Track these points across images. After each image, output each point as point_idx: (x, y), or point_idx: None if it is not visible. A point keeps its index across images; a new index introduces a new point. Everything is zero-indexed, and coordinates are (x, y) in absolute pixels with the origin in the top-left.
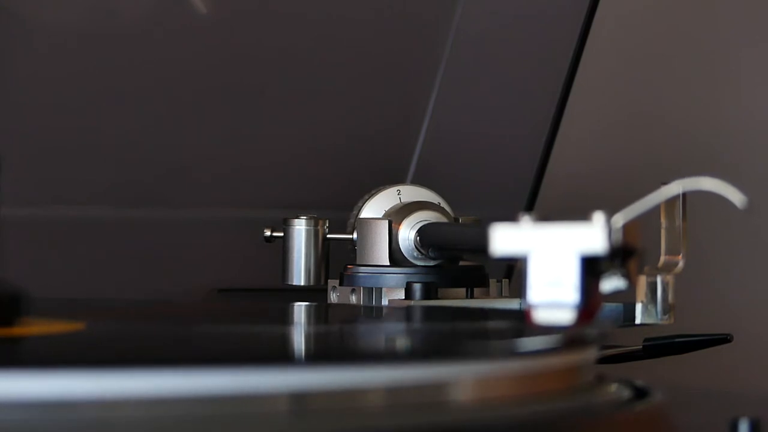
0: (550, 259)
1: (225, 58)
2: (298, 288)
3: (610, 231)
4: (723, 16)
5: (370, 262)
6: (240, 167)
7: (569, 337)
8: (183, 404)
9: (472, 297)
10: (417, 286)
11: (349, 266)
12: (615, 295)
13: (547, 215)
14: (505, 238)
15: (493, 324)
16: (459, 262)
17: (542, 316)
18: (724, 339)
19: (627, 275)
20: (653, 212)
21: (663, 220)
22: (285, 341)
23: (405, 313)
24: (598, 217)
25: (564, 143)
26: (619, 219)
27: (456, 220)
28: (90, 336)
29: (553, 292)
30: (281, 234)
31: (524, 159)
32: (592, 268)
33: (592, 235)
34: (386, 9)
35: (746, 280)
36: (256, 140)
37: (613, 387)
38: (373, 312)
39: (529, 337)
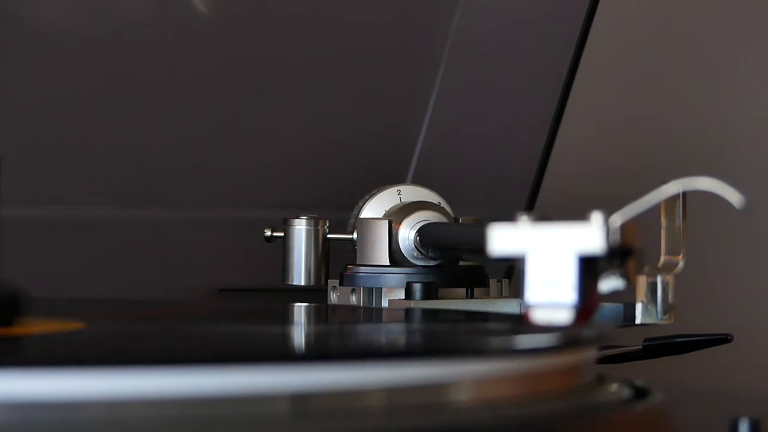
0: (548, 259)
1: (225, 58)
2: (298, 288)
3: (608, 231)
4: (723, 17)
5: (370, 262)
6: (240, 167)
7: (569, 338)
8: (182, 404)
9: (472, 297)
10: (417, 286)
11: (349, 266)
12: (615, 295)
13: (545, 215)
14: (503, 238)
15: (493, 324)
16: (459, 262)
17: (540, 316)
18: (724, 339)
19: (625, 275)
20: (654, 212)
21: (663, 220)
22: (285, 341)
23: (405, 313)
24: (596, 217)
25: (564, 143)
26: (617, 219)
27: (456, 220)
28: (90, 336)
29: (551, 293)
30: (281, 234)
31: (524, 159)
32: (590, 268)
33: (590, 235)
34: (386, 9)
35: (746, 280)
36: (256, 140)
37: (613, 387)
38: (373, 312)
39: (528, 338)
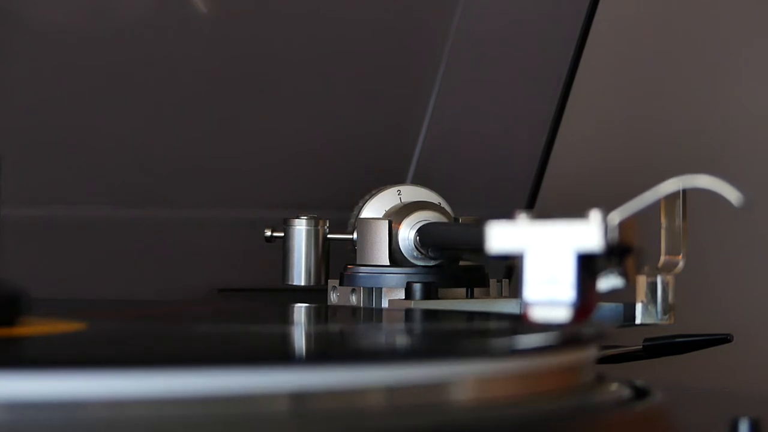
0: (547, 257)
1: (225, 58)
2: (298, 288)
3: (606, 229)
4: (723, 17)
5: (370, 262)
6: (240, 167)
7: (567, 336)
8: (183, 404)
9: (472, 297)
10: (417, 286)
11: (349, 266)
12: (615, 295)
13: (543, 213)
14: (502, 236)
15: (493, 324)
16: (459, 262)
17: (539, 313)
18: (724, 339)
19: (624, 273)
20: (654, 212)
21: (663, 220)
22: (285, 341)
23: (405, 313)
24: (595, 215)
25: (564, 143)
26: (616, 217)
27: (456, 220)
28: (90, 336)
29: (549, 290)
30: (281, 234)
31: (524, 159)
32: (588, 265)
33: (589, 233)
34: (386, 9)
35: (746, 280)
36: (256, 140)
37: (613, 387)
38: (373, 312)
39: (528, 337)
